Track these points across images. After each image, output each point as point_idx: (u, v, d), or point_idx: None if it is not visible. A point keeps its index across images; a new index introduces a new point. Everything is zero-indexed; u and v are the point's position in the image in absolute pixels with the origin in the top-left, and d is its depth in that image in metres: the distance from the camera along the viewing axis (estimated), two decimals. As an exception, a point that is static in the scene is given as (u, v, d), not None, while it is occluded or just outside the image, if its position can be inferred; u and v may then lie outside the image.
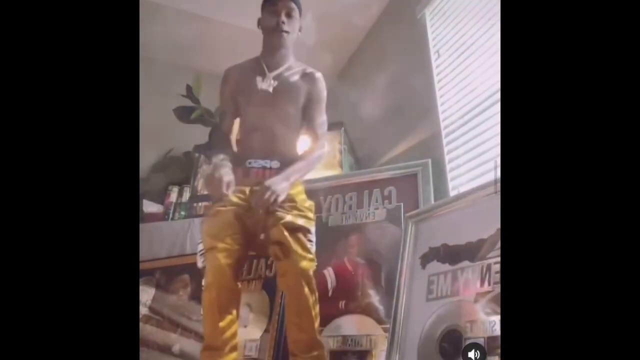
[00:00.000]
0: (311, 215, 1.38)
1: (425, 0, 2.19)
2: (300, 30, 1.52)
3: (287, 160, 1.41)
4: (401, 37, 2.41)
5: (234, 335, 1.28)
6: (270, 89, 1.45)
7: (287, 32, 1.44)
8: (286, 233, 1.26)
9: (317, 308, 1.27)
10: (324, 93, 1.52)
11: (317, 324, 1.27)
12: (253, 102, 1.45)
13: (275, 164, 1.42)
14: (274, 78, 1.46)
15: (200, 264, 1.35)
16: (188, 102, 2.74)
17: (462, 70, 1.87)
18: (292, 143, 1.48)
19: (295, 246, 1.25)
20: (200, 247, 1.36)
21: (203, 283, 1.31)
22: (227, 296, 1.26)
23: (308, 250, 1.28)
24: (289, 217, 1.30)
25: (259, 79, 1.46)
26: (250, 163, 1.42)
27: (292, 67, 1.51)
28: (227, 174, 1.27)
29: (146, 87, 1.42)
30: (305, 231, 1.31)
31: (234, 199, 1.33)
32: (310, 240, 1.32)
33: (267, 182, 1.28)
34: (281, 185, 1.29)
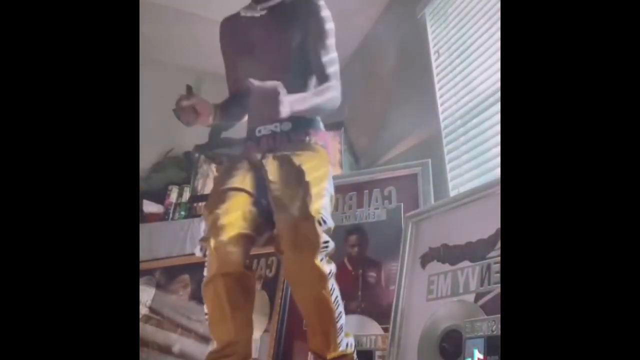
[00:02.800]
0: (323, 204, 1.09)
1: (425, 0, 2.19)
2: None
3: (301, 120, 1.19)
4: (401, 37, 2.41)
5: (250, 337, 1.10)
6: (257, 14, 1.23)
7: None
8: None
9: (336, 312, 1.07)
10: (329, 24, 1.24)
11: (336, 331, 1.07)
12: (243, 51, 1.24)
13: (286, 125, 1.20)
14: (262, 8, 1.25)
15: (198, 253, 1.12)
16: (188, 102, 2.74)
17: (462, 70, 1.87)
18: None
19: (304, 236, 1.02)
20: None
21: (205, 275, 1.09)
22: (239, 286, 1.06)
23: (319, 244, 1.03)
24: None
25: (242, 10, 1.22)
26: (260, 132, 1.23)
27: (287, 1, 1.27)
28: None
29: (146, 87, 1.42)
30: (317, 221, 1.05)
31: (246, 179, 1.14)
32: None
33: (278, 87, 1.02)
34: (289, 98, 1.03)
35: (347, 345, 1.10)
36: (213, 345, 1.13)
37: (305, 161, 1.13)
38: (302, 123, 1.22)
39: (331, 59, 1.24)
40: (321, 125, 1.30)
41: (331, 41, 1.25)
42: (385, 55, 2.54)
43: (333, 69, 1.22)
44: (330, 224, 1.08)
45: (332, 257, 1.11)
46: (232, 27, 1.33)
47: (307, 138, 1.23)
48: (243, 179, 1.17)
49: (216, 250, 1.06)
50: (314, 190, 1.07)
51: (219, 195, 1.15)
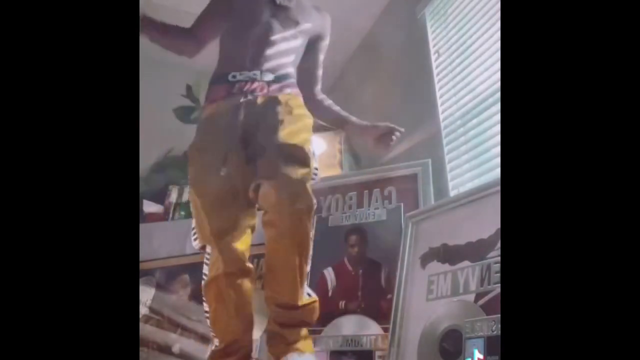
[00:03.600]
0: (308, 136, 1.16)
1: (425, 0, 2.19)
2: None
3: (281, 76, 1.23)
4: (401, 37, 2.41)
5: (251, 335, 1.09)
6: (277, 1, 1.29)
7: None
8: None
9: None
10: (328, 40, 1.41)
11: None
12: (255, 11, 1.28)
13: (267, 75, 1.21)
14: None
15: (196, 246, 1.12)
16: (188, 102, 2.74)
17: (462, 70, 1.87)
18: (290, 61, 1.28)
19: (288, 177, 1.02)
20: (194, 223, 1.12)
21: (205, 273, 1.09)
22: (242, 284, 1.06)
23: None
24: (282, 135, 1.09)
25: None
26: (234, 77, 1.21)
27: None
28: None
29: (146, 87, 1.42)
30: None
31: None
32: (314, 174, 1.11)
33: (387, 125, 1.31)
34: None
35: (308, 294, 1.12)
36: (214, 345, 1.13)
37: (289, 122, 1.16)
38: (280, 77, 1.25)
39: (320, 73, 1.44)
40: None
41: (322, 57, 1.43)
42: (385, 56, 2.54)
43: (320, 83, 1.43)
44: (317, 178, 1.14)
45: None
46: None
47: (289, 89, 1.26)
48: (224, 162, 1.12)
49: (221, 252, 1.05)
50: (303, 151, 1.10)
51: (209, 191, 1.11)
